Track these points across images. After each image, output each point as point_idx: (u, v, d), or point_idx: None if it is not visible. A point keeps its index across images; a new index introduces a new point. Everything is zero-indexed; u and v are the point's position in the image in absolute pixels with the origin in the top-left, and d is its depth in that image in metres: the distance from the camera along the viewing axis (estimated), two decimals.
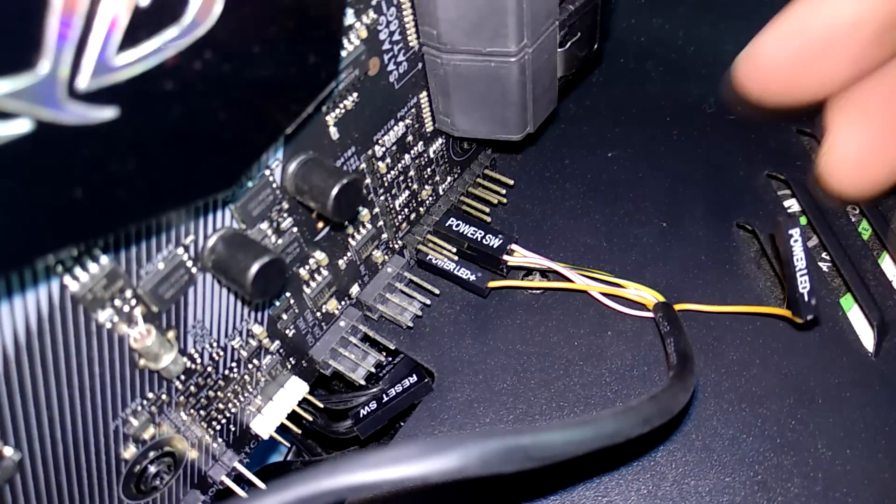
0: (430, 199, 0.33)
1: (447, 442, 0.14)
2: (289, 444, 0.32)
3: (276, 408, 0.29)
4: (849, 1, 0.19)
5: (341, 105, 0.25)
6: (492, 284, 0.31)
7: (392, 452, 0.14)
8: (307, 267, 0.27)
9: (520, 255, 0.31)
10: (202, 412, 0.26)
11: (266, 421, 0.29)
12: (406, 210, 0.32)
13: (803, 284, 0.26)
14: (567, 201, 0.35)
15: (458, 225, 0.32)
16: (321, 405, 0.31)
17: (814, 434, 0.28)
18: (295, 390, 0.30)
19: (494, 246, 0.31)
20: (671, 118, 0.37)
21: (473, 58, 0.26)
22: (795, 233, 0.26)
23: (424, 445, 0.14)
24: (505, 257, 0.31)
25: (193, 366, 0.24)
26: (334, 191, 0.22)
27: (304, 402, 0.30)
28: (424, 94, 0.29)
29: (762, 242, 0.32)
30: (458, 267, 0.32)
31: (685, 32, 0.42)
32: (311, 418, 0.30)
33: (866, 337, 0.30)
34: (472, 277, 0.31)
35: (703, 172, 0.35)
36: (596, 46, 0.30)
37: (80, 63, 0.14)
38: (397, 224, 0.31)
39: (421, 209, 0.33)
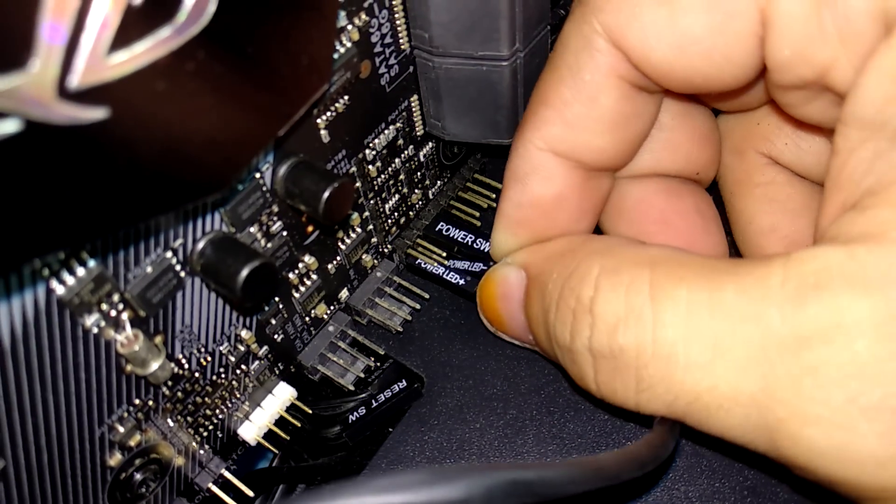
0: (421, 202, 0.33)
1: (452, 473, 0.14)
2: (276, 451, 0.32)
3: (263, 414, 0.29)
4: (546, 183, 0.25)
5: (332, 108, 0.24)
6: None
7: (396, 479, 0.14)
8: (296, 271, 0.27)
9: None
10: (189, 418, 0.26)
11: (254, 427, 0.29)
12: (396, 214, 0.31)
13: None
14: None
15: (448, 229, 0.32)
16: (310, 411, 0.30)
17: None
18: (283, 396, 0.29)
19: (485, 250, 0.31)
20: None
21: (465, 61, 0.26)
22: None
23: (430, 474, 0.14)
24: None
25: (181, 371, 0.24)
26: (326, 194, 0.22)
27: (292, 408, 0.30)
28: (415, 97, 0.28)
29: None
30: (448, 271, 0.32)
31: None
32: (299, 424, 0.30)
33: None
34: (462, 282, 0.31)
35: None
36: None
37: (71, 62, 0.13)
38: (387, 228, 0.31)
39: (411, 213, 0.32)
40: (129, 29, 0.14)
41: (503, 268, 0.27)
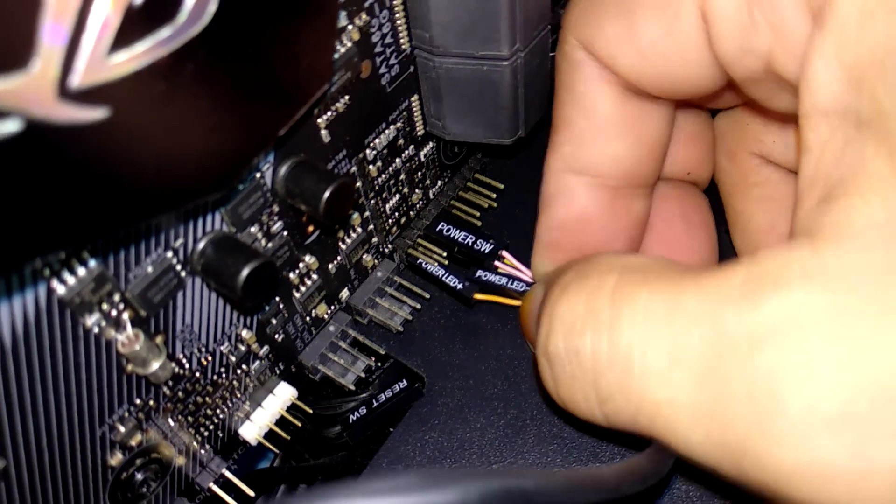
0: (421, 202, 0.33)
1: (445, 477, 0.14)
2: (277, 451, 0.32)
3: (264, 414, 0.29)
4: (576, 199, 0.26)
5: (333, 108, 0.24)
6: (478, 296, 0.31)
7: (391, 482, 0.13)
8: (297, 271, 0.27)
9: (510, 265, 0.31)
10: (190, 418, 0.26)
11: (254, 427, 0.29)
12: (396, 214, 0.31)
13: None
14: None
15: (448, 229, 0.32)
16: (310, 411, 0.30)
17: None
18: (284, 396, 0.29)
19: (485, 251, 0.31)
20: None
21: (466, 61, 0.26)
22: None
23: (423, 478, 0.13)
24: (496, 263, 0.31)
25: (181, 371, 0.24)
26: (327, 194, 0.22)
27: (292, 408, 0.30)
28: (416, 97, 0.28)
29: None
30: (447, 274, 0.31)
31: None
32: (300, 424, 0.30)
33: None
34: (460, 286, 0.31)
35: None
36: None
37: (72, 62, 0.13)
38: (388, 228, 0.31)
39: (411, 213, 0.32)
40: (130, 29, 0.14)
41: (536, 286, 0.26)
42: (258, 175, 0.23)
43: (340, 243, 0.29)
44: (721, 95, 0.26)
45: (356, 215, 0.29)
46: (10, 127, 0.13)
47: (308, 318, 0.29)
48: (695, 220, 0.29)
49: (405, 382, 0.30)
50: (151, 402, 0.24)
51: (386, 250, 0.32)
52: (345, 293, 0.31)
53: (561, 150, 0.25)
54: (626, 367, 0.18)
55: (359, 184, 0.28)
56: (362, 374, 0.30)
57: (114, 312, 0.20)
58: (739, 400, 0.16)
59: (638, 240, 0.28)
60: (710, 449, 0.17)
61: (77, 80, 0.14)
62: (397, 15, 0.25)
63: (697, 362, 0.16)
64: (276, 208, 0.24)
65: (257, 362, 0.27)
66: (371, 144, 0.27)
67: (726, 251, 0.30)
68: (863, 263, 0.15)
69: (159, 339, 0.23)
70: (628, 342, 0.18)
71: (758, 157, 0.28)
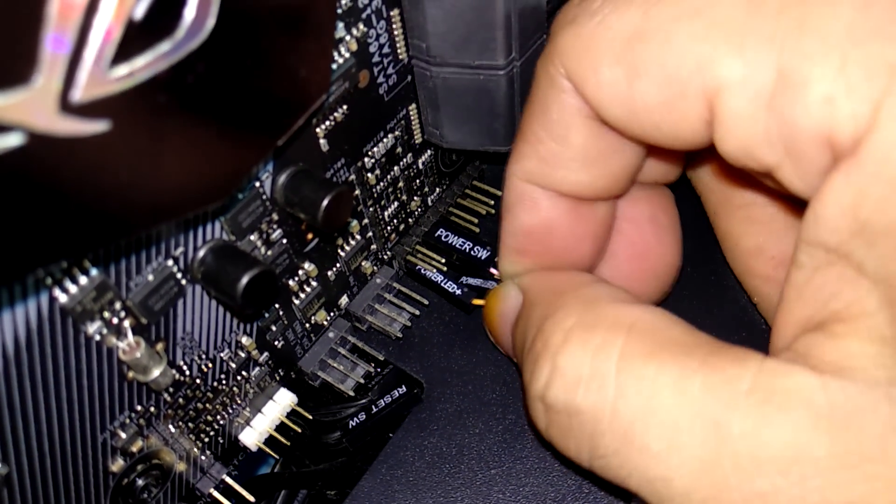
0: (419, 210, 0.33)
1: None
2: (277, 456, 0.32)
3: (264, 420, 0.29)
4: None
5: (331, 117, 0.25)
6: (476, 302, 0.31)
7: None
8: (296, 278, 0.27)
9: None
10: (190, 424, 0.26)
11: (255, 433, 0.29)
12: (395, 221, 0.32)
13: None
14: None
15: (446, 236, 0.32)
16: (310, 416, 0.30)
17: None
18: (284, 402, 0.30)
19: (482, 258, 0.31)
20: None
21: (462, 71, 0.26)
22: None
23: None
24: (493, 270, 0.31)
25: (182, 378, 0.24)
26: (325, 202, 0.22)
27: (292, 414, 0.30)
28: (414, 106, 0.29)
29: None
30: (446, 280, 0.32)
31: None
32: (299, 430, 0.30)
33: None
34: (458, 292, 0.31)
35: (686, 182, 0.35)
36: None
37: (74, 76, 0.14)
38: (386, 235, 0.32)
39: (410, 220, 0.33)
40: (130, 43, 0.14)
41: (509, 286, 0.27)
42: (257, 184, 0.23)
43: (339, 250, 0.29)
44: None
45: (355, 223, 0.29)
46: (13, 140, 0.13)
47: (308, 325, 0.29)
48: (662, 222, 0.28)
49: (404, 388, 0.30)
50: (152, 409, 0.24)
51: (385, 257, 0.32)
52: (344, 300, 0.31)
53: (525, 163, 0.24)
54: (625, 438, 0.19)
55: (357, 192, 0.28)
56: (362, 380, 0.30)
57: (115, 320, 0.21)
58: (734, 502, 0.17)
59: (603, 242, 0.27)
60: None
61: (78, 93, 0.14)
62: (394, 25, 0.25)
63: (697, 456, 0.17)
64: (275, 216, 0.24)
65: (257, 369, 0.28)
66: (369, 153, 0.28)
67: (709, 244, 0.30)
68: (867, 415, 0.16)
69: (160, 347, 0.23)
70: (631, 417, 0.18)
71: (731, 183, 0.27)
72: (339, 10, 0.23)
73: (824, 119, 0.16)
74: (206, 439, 0.27)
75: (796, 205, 0.27)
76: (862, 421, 0.16)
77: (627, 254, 0.28)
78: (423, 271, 0.32)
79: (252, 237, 0.24)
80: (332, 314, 0.30)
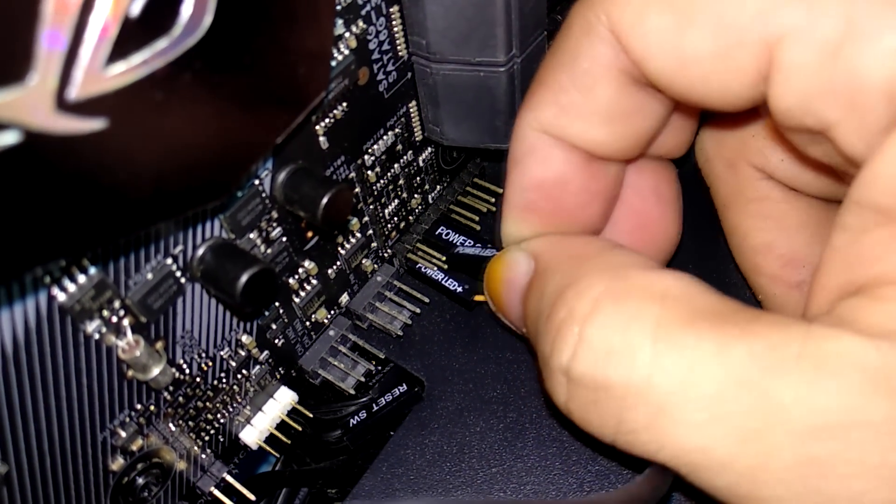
0: (420, 207, 0.33)
1: None
2: (278, 455, 0.32)
3: (265, 418, 0.29)
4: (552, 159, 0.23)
5: (331, 114, 0.25)
6: (478, 298, 0.31)
7: None
8: (296, 276, 0.27)
9: None
10: (191, 423, 0.26)
11: (255, 431, 0.29)
12: (395, 219, 0.32)
13: None
14: None
15: (447, 234, 0.32)
16: (311, 415, 0.30)
17: None
18: (284, 400, 0.29)
19: (483, 255, 0.31)
20: None
21: (462, 67, 0.26)
22: None
23: None
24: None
25: (182, 376, 0.24)
26: (324, 200, 0.22)
27: (293, 412, 0.30)
28: (414, 103, 0.29)
29: None
30: (446, 278, 0.32)
31: None
32: (300, 428, 0.30)
33: None
34: (459, 289, 0.31)
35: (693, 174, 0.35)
36: None
37: (70, 74, 0.14)
38: (387, 233, 0.31)
39: (410, 218, 0.33)
40: (127, 40, 0.14)
41: (516, 252, 0.25)
42: (257, 182, 0.23)
43: (340, 248, 0.29)
44: (737, 114, 0.24)
45: (355, 220, 0.29)
46: (9, 139, 0.13)
47: (308, 323, 0.29)
48: (665, 195, 0.27)
49: (405, 386, 0.30)
50: (152, 407, 0.24)
51: (385, 255, 0.32)
52: (344, 298, 0.31)
53: (542, 111, 0.23)
54: (660, 411, 0.18)
55: (357, 189, 0.28)
56: (362, 379, 0.30)
57: (114, 319, 0.21)
58: (784, 472, 0.16)
59: (611, 204, 0.26)
60: (734, 496, 0.17)
61: (75, 91, 0.14)
62: (394, 22, 0.25)
63: (743, 425, 0.17)
64: (274, 214, 0.24)
65: (257, 367, 0.28)
66: (369, 150, 0.28)
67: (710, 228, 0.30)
68: None
69: (159, 345, 0.23)
70: (669, 389, 0.18)
71: (759, 170, 0.26)
72: (339, 7, 0.23)
73: (893, 73, 0.16)
74: (207, 438, 0.27)
75: (818, 196, 0.26)
76: None
77: (630, 224, 0.27)
78: (423, 269, 0.32)
79: (251, 235, 0.24)
80: (332, 312, 0.30)
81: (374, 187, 0.29)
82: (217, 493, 0.29)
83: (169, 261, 0.21)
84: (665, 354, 0.18)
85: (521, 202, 0.25)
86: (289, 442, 0.30)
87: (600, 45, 0.21)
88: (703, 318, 0.18)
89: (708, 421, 0.17)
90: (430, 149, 0.31)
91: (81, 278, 0.19)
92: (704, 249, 0.33)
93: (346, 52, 0.24)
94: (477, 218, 0.33)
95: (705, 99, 0.20)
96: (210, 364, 0.25)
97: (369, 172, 0.28)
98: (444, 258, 0.32)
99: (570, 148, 0.23)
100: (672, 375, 0.17)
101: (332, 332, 0.31)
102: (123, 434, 0.23)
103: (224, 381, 0.26)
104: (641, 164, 0.27)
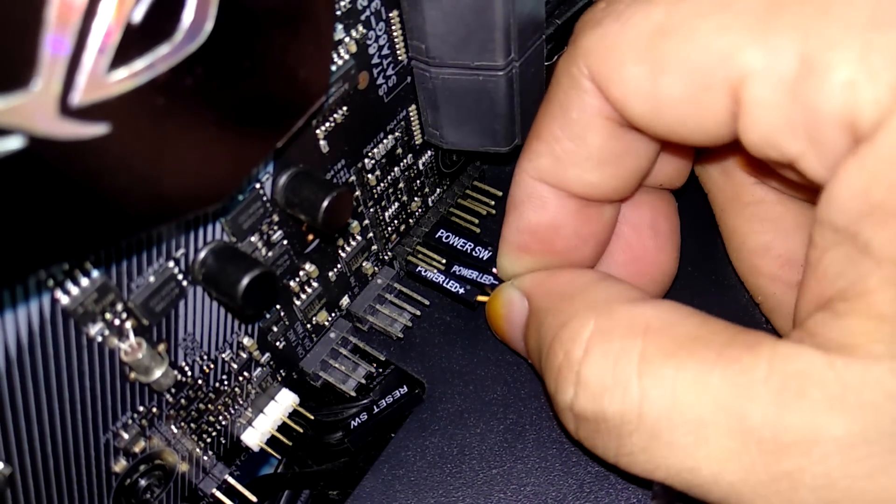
0: (420, 210, 0.33)
1: None
2: (279, 457, 0.32)
3: (266, 420, 0.29)
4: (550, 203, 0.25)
5: (331, 118, 0.25)
6: (481, 298, 0.31)
7: None
8: (297, 279, 0.27)
9: None
10: (193, 425, 0.26)
11: (256, 433, 0.29)
12: (396, 222, 0.32)
13: None
14: None
15: (447, 236, 0.33)
16: (312, 417, 0.31)
17: None
18: (285, 402, 0.30)
19: (483, 258, 0.31)
20: None
21: (462, 71, 0.26)
22: None
23: None
24: (495, 270, 0.31)
25: (184, 378, 0.25)
26: (325, 203, 0.22)
27: (294, 414, 0.30)
28: (413, 107, 0.29)
29: None
30: (448, 280, 0.32)
31: None
32: (301, 430, 0.30)
33: None
34: (461, 290, 0.31)
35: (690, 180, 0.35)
36: None
37: (73, 80, 0.14)
38: (387, 235, 0.32)
39: (410, 221, 0.33)
40: (129, 46, 0.15)
41: (510, 289, 0.27)
42: (258, 185, 0.23)
43: (340, 251, 0.29)
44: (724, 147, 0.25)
45: (355, 223, 0.29)
46: (13, 144, 0.13)
47: (309, 326, 0.29)
48: (662, 229, 0.29)
49: (406, 388, 0.30)
50: (154, 410, 0.24)
51: (386, 258, 0.32)
52: (345, 300, 0.31)
53: (538, 161, 0.25)
54: (652, 436, 0.20)
55: (358, 193, 0.28)
56: (363, 381, 0.30)
57: (117, 322, 0.21)
58: (762, 486, 0.18)
59: (603, 245, 0.28)
60: None
61: (78, 97, 0.14)
62: (394, 27, 0.25)
63: (724, 445, 0.19)
64: (275, 218, 0.24)
65: (259, 369, 0.28)
66: (369, 154, 0.28)
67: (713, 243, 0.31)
68: (875, 391, 0.17)
69: (162, 348, 0.23)
70: (657, 417, 0.20)
71: (752, 176, 0.27)
72: (339, 12, 0.23)
73: (846, 104, 0.16)
74: (209, 440, 0.27)
75: (808, 202, 0.27)
76: (872, 397, 0.17)
77: (624, 257, 0.28)
78: (423, 272, 0.32)
79: (253, 238, 0.24)
80: (333, 315, 0.31)
81: (375, 190, 0.29)
82: (219, 494, 0.29)
83: (171, 264, 0.22)
84: (650, 387, 0.20)
85: (516, 242, 0.27)
86: (290, 444, 0.30)
87: (585, 95, 0.22)
88: (682, 346, 0.20)
89: (694, 443, 0.19)
90: (429, 152, 0.32)
91: (84, 281, 0.19)
92: (701, 253, 0.33)
93: (346, 56, 0.24)
94: (477, 221, 0.34)
95: (685, 137, 0.21)
96: (212, 366, 0.25)
97: (369, 176, 0.28)
98: (443, 261, 0.32)
99: (565, 196, 0.25)
100: (659, 405, 0.20)
101: (332, 335, 0.31)
102: (126, 436, 0.23)
103: (226, 383, 0.27)
104: (639, 198, 0.28)
